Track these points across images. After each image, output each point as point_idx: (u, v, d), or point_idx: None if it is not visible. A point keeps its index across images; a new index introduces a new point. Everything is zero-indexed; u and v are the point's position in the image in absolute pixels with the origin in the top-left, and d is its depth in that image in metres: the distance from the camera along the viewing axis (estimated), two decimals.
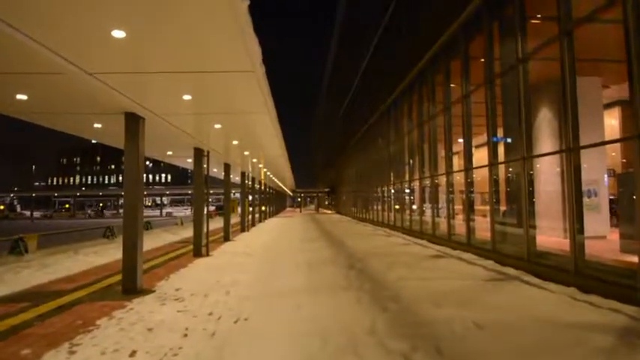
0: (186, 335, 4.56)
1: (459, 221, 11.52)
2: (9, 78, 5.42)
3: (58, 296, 6.42)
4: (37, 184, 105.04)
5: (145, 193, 74.48)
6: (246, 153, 15.06)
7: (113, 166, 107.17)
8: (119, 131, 7.09)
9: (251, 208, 24.26)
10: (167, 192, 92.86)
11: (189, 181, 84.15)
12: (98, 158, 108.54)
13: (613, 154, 10.40)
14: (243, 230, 19.94)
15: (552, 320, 4.69)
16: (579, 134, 6.45)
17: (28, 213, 72.13)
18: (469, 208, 10.39)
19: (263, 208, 31.83)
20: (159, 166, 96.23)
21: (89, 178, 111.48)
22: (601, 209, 9.30)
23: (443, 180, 12.44)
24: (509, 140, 8.75)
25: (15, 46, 4.30)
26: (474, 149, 10.63)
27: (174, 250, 12.66)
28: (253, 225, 23.98)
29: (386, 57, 19.62)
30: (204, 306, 5.79)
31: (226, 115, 8.61)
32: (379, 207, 22.38)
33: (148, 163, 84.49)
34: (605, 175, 9.63)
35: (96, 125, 8.33)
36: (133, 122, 7.01)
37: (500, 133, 9.18)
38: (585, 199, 7.65)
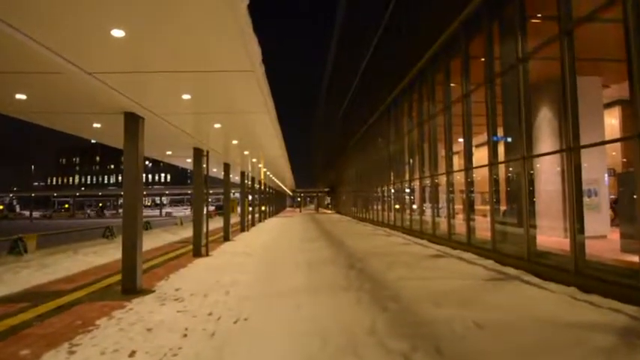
0: (185, 335, 4.55)
1: (459, 221, 11.52)
2: (8, 77, 5.40)
3: (58, 296, 6.40)
4: (36, 184, 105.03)
5: (145, 193, 74.63)
6: (245, 153, 15.05)
7: (112, 166, 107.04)
8: (118, 131, 7.07)
9: (251, 208, 24.25)
10: (166, 192, 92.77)
11: (188, 181, 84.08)
12: (97, 158, 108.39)
13: (613, 153, 10.38)
14: (242, 230, 19.93)
15: (552, 320, 4.68)
16: (579, 134, 6.44)
17: (27, 213, 72.14)
18: (469, 208, 10.38)
19: (263, 208, 31.82)
20: (158, 166, 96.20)
21: (88, 178, 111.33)
22: (601, 209, 9.29)
23: (443, 179, 12.43)
24: (509, 140, 8.75)
25: (14, 45, 4.28)
26: (474, 149, 10.62)
27: (174, 250, 12.64)
28: (253, 225, 23.97)
29: (386, 57, 19.62)
30: (203, 306, 5.77)
31: (226, 115, 8.60)
32: (379, 207, 22.37)
33: (147, 162, 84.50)
34: (606, 175, 9.63)
35: (95, 125, 8.31)
36: (133, 122, 6.99)
37: (500, 132, 9.17)
38: (585, 199, 7.65)
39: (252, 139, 12.18)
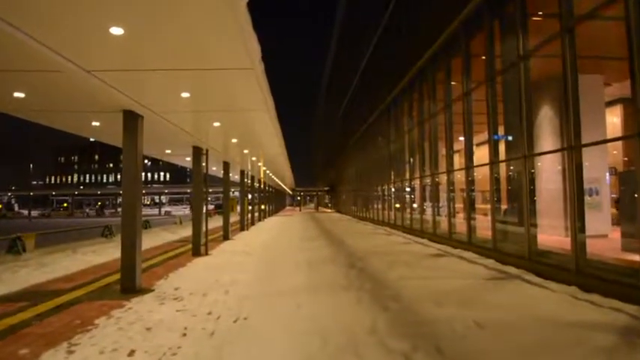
0: (185, 335, 4.53)
1: (460, 220, 11.49)
2: (6, 76, 5.38)
3: (56, 296, 6.38)
4: (34, 182, 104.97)
5: (144, 191, 74.65)
6: (245, 151, 15.02)
7: (111, 165, 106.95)
8: (117, 129, 7.03)
9: (250, 207, 24.21)
10: (166, 191, 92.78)
11: (188, 180, 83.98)
12: (96, 157, 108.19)
13: (614, 152, 10.35)
14: (242, 229, 19.91)
15: (553, 319, 4.67)
16: (581, 132, 6.41)
17: (25, 212, 72.06)
18: (470, 207, 10.35)
19: (262, 206, 31.80)
20: (157, 165, 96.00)
21: (87, 176, 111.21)
22: (602, 208, 9.26)
23: (443, 178, 12.42)
24: (510, 138, 8.71)
25: (12, 43, 4.26)
26: (474, 147, 10.59)
27: (173, 249, 12.62)
28: (253, 224, 23.95)
29: (386, 55, 19.59)
30: (203, 305, 5.76)
31: (225, 113, 8.57)
32: (379, 206, 22.36)
33: (146, 161, 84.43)
34: (607, 174, 9.60)
35: (94, 123, 8.29)
36: (132, 120, 6.96)
37: (501, 131, 9.14)
38: (587, 198, 7.64)
39: (251, 137, 12.15)
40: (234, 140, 12.14)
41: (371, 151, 24.19)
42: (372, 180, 24.05)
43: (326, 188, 59.66)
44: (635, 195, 6.21)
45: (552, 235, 8.24)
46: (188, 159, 13.36)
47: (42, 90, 6.11)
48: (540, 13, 8.23)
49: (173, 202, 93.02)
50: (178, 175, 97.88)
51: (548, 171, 9.53)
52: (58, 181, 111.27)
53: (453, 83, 11.35)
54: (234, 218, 24.41)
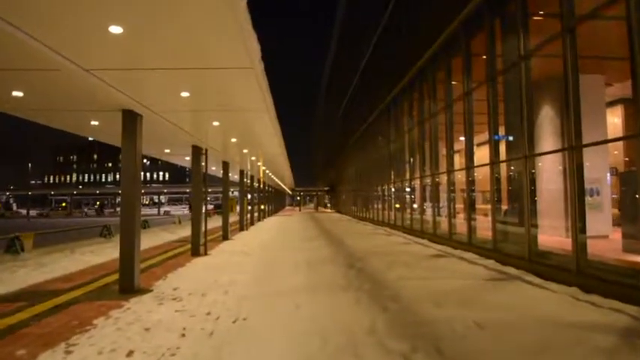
0: (184, 335, 4.52)
1: (460, 220, 11.46)
2: (4, 74, 5.37)
3: (55, 296, 6.36)
4: (33, 182, 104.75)
5: (143, 191, 74.53)
6: (244, 151, 15.00)
7: (110, 164, 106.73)
8: (117, 128, 7.01)
9: (250, 207, 24.18)
10: (165, 190, 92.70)
11: (187, 180, 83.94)
12: (95, 156, 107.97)
13: (615, 152, 10.33)
14: (241, 229, 19.88)
15: (553, 320, 4.66)
16: (582, 132, 6.39)
17: (24, 211, 71.91)
18: (470, 207, 10.33)
19: (262, 206, 31.77)
20: (157, 164, 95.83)
21: (86, 176, 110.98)
22: (603, 208, 9.25)
23: (444, 178, 12.39)
24: (510, 138, 8.69)
25: (10, 42, 4.25)
26: (475, 147, 10.57)
27: (172, 249, 12.59)
28: (252, 224, 23.93)
29: (386, 55, 19.56)
30: (202, 306, 5.73)
31: (225, 113, 8.55)
32: (379, 206, 22.33)
33: (145, 161, 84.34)
34: (608, 174, 9.58)
35: (93, 122, 8.27)
36: (131, 119, 6.93)
37: (501, 131, 9.11)
38: (587, 198, 7.62)
39: (251, 137, 12.13)
40: (233, 140, 12.11)
41: (371, 150, 24.16)
42: (372, 180, 24.02)
43: (326, 188, 59.63)
44: (637, 195, 6.19)
45: (553, 235, 8.22)
46: (187, 158, 13.35)
47: (40, 89, 6.09)
48: (541, 12, 8.21)
49: (172, 201, 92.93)
50: (177, 174, 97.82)
51: (549, 171, 9.50)
52: (57, 181, 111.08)
53: (453, 83, 11.33)
54: (233, 218, 24.38)
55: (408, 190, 17.03)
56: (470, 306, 5.30)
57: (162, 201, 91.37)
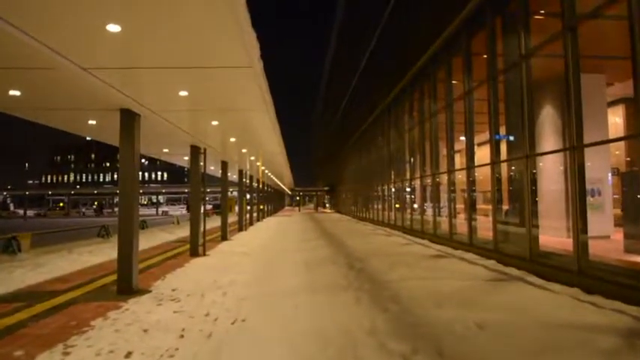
0: (182, 336, 4.50)
1: (461, 220, 11.43)
2: (0, 73, 5.30)
3: (52, 296, 6.33)
4: (30, 182, 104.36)
5: (141, 191, 74.36)
6: (243, 150, 14.96)
7: (108, 164, 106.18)
8: (115, 128, 6.98)
9: (249, 207, 24.13)
10: (163, 190, 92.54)
11: (185, 180, 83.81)
12: (93, 156, 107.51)
13: (617, 152, 10.31)
14: (240, 229, 19.83)
15: (555, 321, 4.64)
16: (583, 132, 6.36)
17: (21, 211, 71.57)
18: (471, 208, 10.29)
19: (261, 207, 31.72)
20: (155, 164, 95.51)
21: (84, 176, 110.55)
22: (605, 208, 9.22)
23: (444, 178, 12.36)
24: (511, 138, 8.67)
25: (5, 40, 4.21)
26: (475, 147, 10.53)
27: (171, 249, 12.54)
28: (251, 224, 23.89)
29: (386, 54, 19.53)
30: (200, 306, 5.71)
31: (224, 112, 8.52)
32: (379, 206, 22.29)
33: (143, 160, 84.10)
34: (609, 174, 9.54)
35: (91, 122, 8.23)
36: (129, 119, 6.90)
37: (502, 130, 9.08)
38: (589, 198, 7.59)
39: (250, 136, 12.09)
40: (232, 139, 12.07)
41: (371, 150, 24.14)
42: (372, 180, 23.99)
43: (325, 188, 59.58)
44: (638, 196, 6.17)
45: (554, 236, 8.21)
46: (186, 158, 13.31)
47: (37, 88, 6.06)
48: (542, 11, 8.18)
49: (171, 202, 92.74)
50: (176, 174, 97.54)
51: (550, 171, 9.48)
52: (54, 181, 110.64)
53: (454, 82, 11.30)
54: (232, 218, 24.32)
55: (408, 190, 16.99)
56: (470, 307, 5.28)
57: (161, 201, 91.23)
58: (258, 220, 28.07)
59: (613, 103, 10.29)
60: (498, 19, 8.94)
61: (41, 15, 3.87)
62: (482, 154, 10.10)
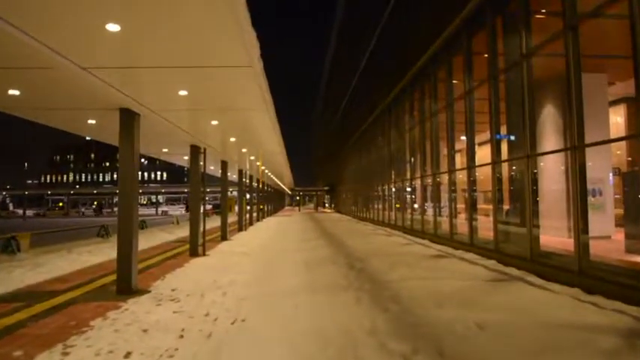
0: (182, 336, 4.49)
1: (462, 220, 11.41)
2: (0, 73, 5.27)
3: (52, 296, 6.31)
4: (29, 181, 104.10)
5: (140, 191, 74.28)
6: (243, 150, 14.94)
7: (108, 164, 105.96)
8: (114, 127, 6.96)
9: (249, 207, 24.09)
10: (163, 190, 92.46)
11: (185, 180, 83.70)
12: (92, 155, 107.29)
13: (618, 152, 10.28)
14: (240, 229, 19.80)
15: (555, 321, 4.63)
16: (584, 132, 6.34)
17: (20, 211, 71.42)
18: (471, 207, 10.27)
19: (261, 206, 31.69)
20: (154, 164, 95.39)
21: (83, 175, 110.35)
22: (606, 208, 9.19)
23: (445, 178, 12.33)
24: (512, 138, 8.64)
25: (4, 39, 4.18)
26: (476, 147, 10.50)
27: (170, 249, 12.52)
28: (251, 224, 23.87)
29: (386, 54, 19.51)
30: (200, 306, 5.70)
31: (224, 112, 8.50)
32: (380, 206, 22.27)
33: (143, 160, 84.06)
34: (611, 174, 9.52)
35: (90, 121, 8.21)
36: (128, 118, 6.88)
37: (503, 130, 9.05)
38: (590, 198, 7.57)
39: (250, 136, 12.07)
40: (232, 139, 12.05)
41: (371, 150, 24.12)
42: (372, 180, 23.96)
43: (325, 188, 59.54)
44: None
45: (555, 236, 8.19)
46: (186, 158, 13.28)
47: (37, 87, 6.04)
48: (543, 10, 8.16)
49: (170, 201, 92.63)
50: (176, 174, 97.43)
51: (551, 171, 9.45)
52: (54, 180, 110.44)
53: (454, 82, 11.27)
54: (232, 218, 24.29)
55: (408, 190, 16.97)
56: (471, 307, 5.26)
57: (160, 201, 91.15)
58: (258, 220, 28.05)
59: (614, 103, 10.25)
60: (499, 18, 8.92)
61: (40, 14, 3.85)
62: (483, 154, 10.07)
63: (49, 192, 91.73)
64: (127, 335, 4.51)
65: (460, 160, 12.26)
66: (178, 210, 65.60)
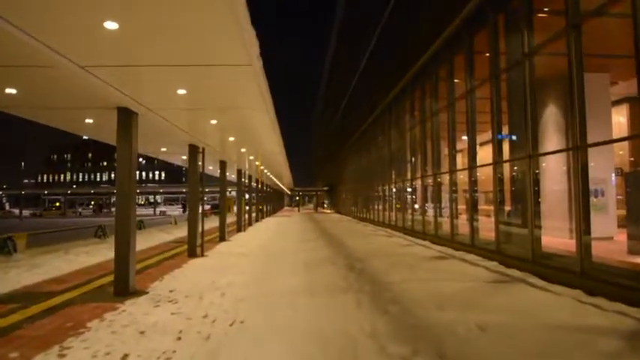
0: (180, 338, 4.45)
1: (463, 221, 11.37)
2: None
3: (48, 297, 6.27)
4: (26, 181, 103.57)
5: (138, 191, 74.20)
6: (242, 150, 14.89)
7: (105, 163, 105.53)
8: (112, 127, 6.92)
9: (247, 207, 24.04)
10: (161, 190, 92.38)
11: (183, 179, 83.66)
12: (90, 155, 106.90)
13: (621, 152, 10.26)
14: (239, 230, 19.74)
15: (556, 323, 4.63)
16: (586, 132, 6.31)
17: (17, 211, 71.16)
18: (473, 208, 10.23)
19: (260, 207, 31.63)
20: (152, 164, 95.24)
21: (80, 175, 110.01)
22: (608, 209, 9.16)
23: (446, 179, 12.29)
24: (514, 138, 8.61)
25: (2, 38, 4.14)
26: (477, 147, 10.46)
27: (168, 250, 12.47)
28: (250, 224, 23.82)
29: (387, 53, 19.48)
30: (198, 308, 5.65)
31: (222, 111, 8.45)
32: (380, 206, 22.24)
33: (141, 160, 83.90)
34: (613, 175, 9.49)
35: (88, 120, 8.17)
36: (126, 117, 6.83)
37: (505, 130, 9.01)
38: (592, 199, 7.53)
39: (249, 135, 12.01)
40: (231, 138, 12.00)
41: (371, 150, 24.10)
42: (372, 180, 23.93)
43: (325, 188, 59.50)
44: None
45: (557, 237, 8.16)
46: (184, 157, 13.22)
47: (34, 86, 6.00)
48: (546, 9, 8.12)
49: (168, 201, 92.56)
50: (174, 174, 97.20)
51: (553, 171, 9.43)
52: (51, 180, 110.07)
53: (455, 81, 11.24)
54: (230, 219, 24.22)
55: (409, 190, 16.92)
56: (472, 309, 5.24)
57: (159, 201, 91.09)
58: (257, 221, 28.01)
59: (617, 103, 10.23)
60: (501, 16, 8.89)
61: (38, 12, 3.80)
62: (485, 154, 10.03)
63: (46, 192, 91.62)
64: (125, 337, 4.48)
65: (461, 160, 12.24)
66: (177, 210, 65.55)
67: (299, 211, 58.39)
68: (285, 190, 64.31)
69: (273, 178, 34.50)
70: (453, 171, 11.71)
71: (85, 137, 12.51)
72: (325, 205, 62.41)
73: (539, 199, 7.90)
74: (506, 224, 8.92)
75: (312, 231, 19.79)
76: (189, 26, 4.35)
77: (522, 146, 7.94)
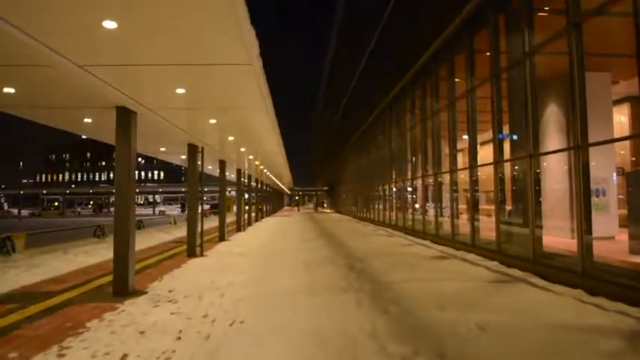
0: (179, 338, 4.45)
1: (463, 221, 11.35)
2: None
3: (47, 297, 6.25)
4: (24, 181, 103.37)
5: (137, 190, 74.17)
6: (242, 149, 14.87)
7: (104, 163, 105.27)
8: (111, 126, 6.90)
9: (247, 207, 24.02)
10: (160, 190, 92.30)
11: (183, 179, 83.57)
12: (88, 154, 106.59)
13: (622, 152, 10.25)
14: (238, 230, 19.72)
15: (557, 323, 4.62)
16: (588, 131, 6.28)
17: (15, 211, 71.06)
18: (473, 208, 10.21)
19: (260, 206, 31.61)
20: (152, 163, 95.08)
21: (79, 175, 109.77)
22: (609, 209, 9.15)
23: (446, 178, 12.28)
24: (515, 137, 8.59)
25: (1, 38, 4.12)
26: (478, 146, 10.45)
27: (168, 249, 12.45)
28: (249, 224, 23.81)
29: (386, 53, 19.47)
30: (198, 308, 5.64)
31: (222, 110, 8.44)
32: (380, 206, 22.22)
33: (140, 159, 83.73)
34: (614, 174, 9.48)
35: (86, 120, 8.15)
36: (125, 117, 6.81)
37: (506, 129, 9.00)
38: (593, 199, 7.52)
39: (249, 135, 11.99)
40: (230, 138, 11.98)
41: (372, 150, 24.10)
42: (372, 180, 23.92)
43: (325, 188, 59.45)
44: None
45: (558, 236, 8.14)
46: (183, 157, 13.20)
47: (33, 85, 5.99)
48: (546, 8, 8.11)
49: (168, 201, 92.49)
50: (173, 173, 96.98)
51: (554, 171, 9.41)
52: (49, 180, 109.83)
53: (456, 80, 11.22)
54: (230, 218, 24.20)
55: (409, 190, 16.91)
56: (473, 308, 5.24)
57: (158, 201, 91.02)
58: (256, 221, 28.00)
59: (618, 102, 10.21)
60: (501, 15, 8.87)
61: (37, 12, 3.79)
62: (485, 154, 10.01)
63: (45, 191, 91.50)
64: (124, 337, 4.47)
65: (462, 160, 12.22)
66: (176, 210, 65.51)
67: (299, 210, 58.35)
68: (285, 189, 64.30)
69: (272, 177, 34.49)
70: (453, 170, 11.69)
71: (83, 137, 12.48)
72: (325, 205, 62.38)
73: (540, 199, 7.89)
74: (507, 224, 8.90)
75: (311, 230, 19.79)
76: (188, 26, 4.33)
77: (523, 146, 7.92)
